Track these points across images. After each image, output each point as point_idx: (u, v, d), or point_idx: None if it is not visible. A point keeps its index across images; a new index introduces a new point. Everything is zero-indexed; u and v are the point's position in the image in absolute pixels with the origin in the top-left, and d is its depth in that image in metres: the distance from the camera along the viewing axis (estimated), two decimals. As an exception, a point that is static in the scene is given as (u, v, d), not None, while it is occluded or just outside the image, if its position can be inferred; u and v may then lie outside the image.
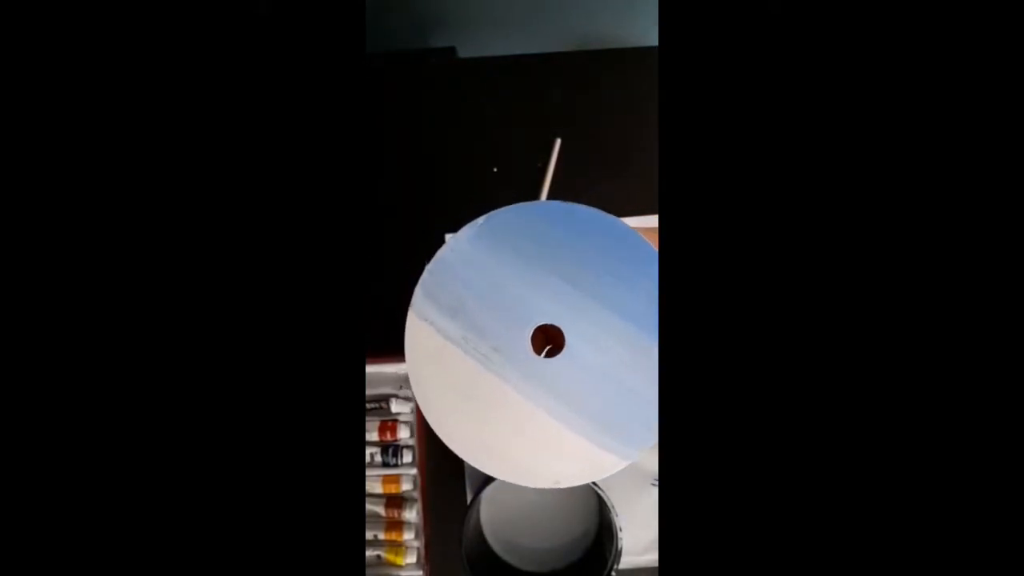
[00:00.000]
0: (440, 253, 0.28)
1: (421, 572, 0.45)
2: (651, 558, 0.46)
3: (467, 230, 0.28)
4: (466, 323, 0.27)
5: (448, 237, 0.29)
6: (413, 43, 0.77)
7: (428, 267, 0.28)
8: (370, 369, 0.46)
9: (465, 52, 0.75)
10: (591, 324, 0.26)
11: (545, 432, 0.26)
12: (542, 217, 0.28)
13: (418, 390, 0.27)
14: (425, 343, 0.27)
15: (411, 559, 0.44)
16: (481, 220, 0.28)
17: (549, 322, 0.26)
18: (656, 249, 0.27)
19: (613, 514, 0.40)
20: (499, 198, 0.51)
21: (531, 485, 0.26)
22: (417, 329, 0.27)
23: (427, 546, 0.45)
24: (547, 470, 0.26)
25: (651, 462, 0.45)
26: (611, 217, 0.27)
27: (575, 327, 0.26)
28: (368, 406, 0.46)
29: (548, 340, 0.28)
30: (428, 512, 0.45)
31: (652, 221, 0.47)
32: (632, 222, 0.36)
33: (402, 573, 0.45)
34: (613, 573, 0.40)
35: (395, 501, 0.45)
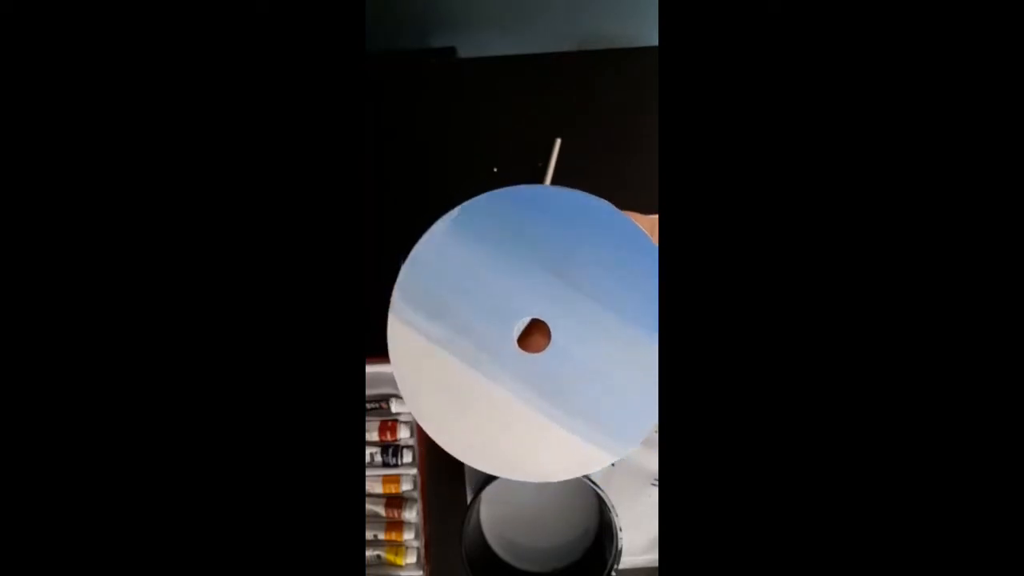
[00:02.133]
0: (415, 251, 0.27)
1: (421, 572, 0.45)
2: (651, 558, 0.46)
3: (441, 224, 0.27)
4: (449, 323, 0.26)
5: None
6: (413, 43, 0.77)
7: (403, 267, 0.27)
8: (370, 369, 0.46)
9: (465, 52, 0.75)
10: (577, 317, 0.26)
11: (532, 428, 0.26)
12: (522, 203, 0.27)
13: (405, 390, 0.27)
14: (409, 346, 0.27)
15: (411, 559, 0.44)
16: (455, 212, 0.27)
17: (535, 316, 0.26)
18: (644, 231, 0.26)
19: (613, 514, 0.40)
20: (499, 198, 0.51)
21: (522, 479, 0.26)
22: (399, 332, 0.27)
23: (427, 546, 0.45)
24: (535, 465, 0.26)
25: (651, 462, 0.45)
26: (596, 199, 0.27)
27: (561, 321, 0.26)
28: (368, 406, 0.46)
29: (535, 334, 0.27)
30: (428, 512, 0.45)
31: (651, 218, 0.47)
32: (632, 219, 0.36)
33: (402, 573, 0.45)
34: (613, 573, 0.40)
35: (395, 501, 0.45)
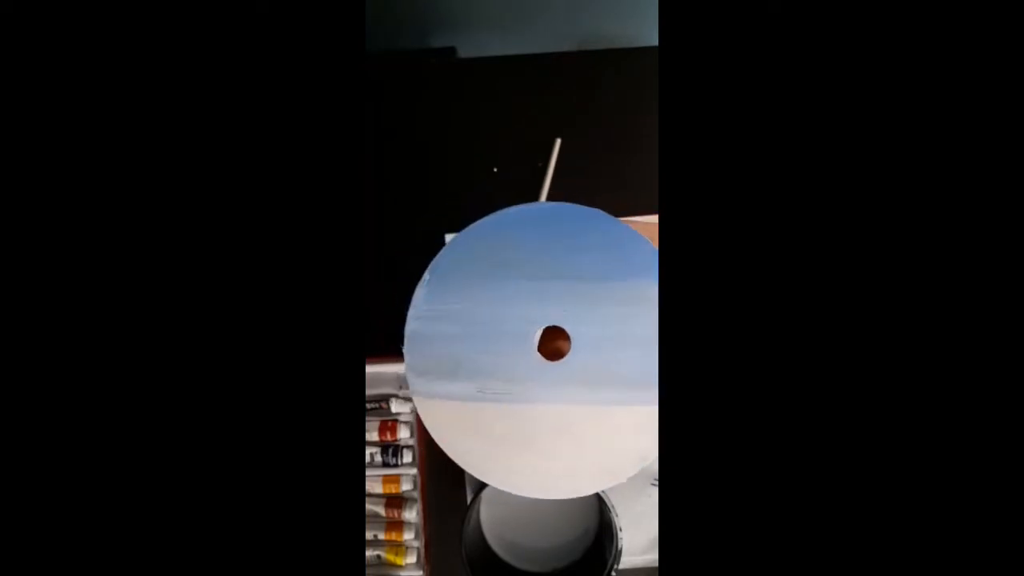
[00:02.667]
0: (408, 328, 0.27)
1: (421, 572, 0.45)
2: (651, 558, 0.46)
3: (419, 292, 0.27)
4: (469, 375, 0.26)
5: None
6: (413, 43, 0.77)
7: (404, 348, 0.27)
8: (370, 369, 0.46)
9: (465, 52, 0.75)
10: (582, 304, 0.26)
11: (601, 423, 0.26)
12: (487, 235, 0.27)
13: (458, 456, 0.27)
14: (443, 414, 0.27)
15: (411, 559, 0.44)
16: (426, 276, 0.27)
17: (543, 325, 0.26)
18: (602, 212, 0.26)
19: (613, 514, 0.40)
20: (499, 198, 0.51)
21: (624, 479, 0.26)
22: (428, 407, 0.27)
23: (427, 546, 0.45)
24: (627, 457, 0.26)
25: (651, 462, 0.45)
26: (550, 204, 0.27)
27: (570, 315, 0.26)
28: (368, 406, 0.46)
29: (556, 340, 0.27)
30: (428, 512, 0.45)
31: (652, 220, 0.48)
32: (632, 222, 0.36)
33: (402, 573, 0.45)
34: (613, 573, 0.40)
35: (395, 501, 0.45)
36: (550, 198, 0.49)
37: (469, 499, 0.45)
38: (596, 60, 0.52)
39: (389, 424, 0.45)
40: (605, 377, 0.26)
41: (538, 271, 0.26)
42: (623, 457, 0.26)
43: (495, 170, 0.50)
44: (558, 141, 0.50)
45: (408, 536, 0.45)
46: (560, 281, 0.26)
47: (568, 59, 0.52)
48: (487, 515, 0.45)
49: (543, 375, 0.26)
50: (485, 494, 0.43)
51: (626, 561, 0.45)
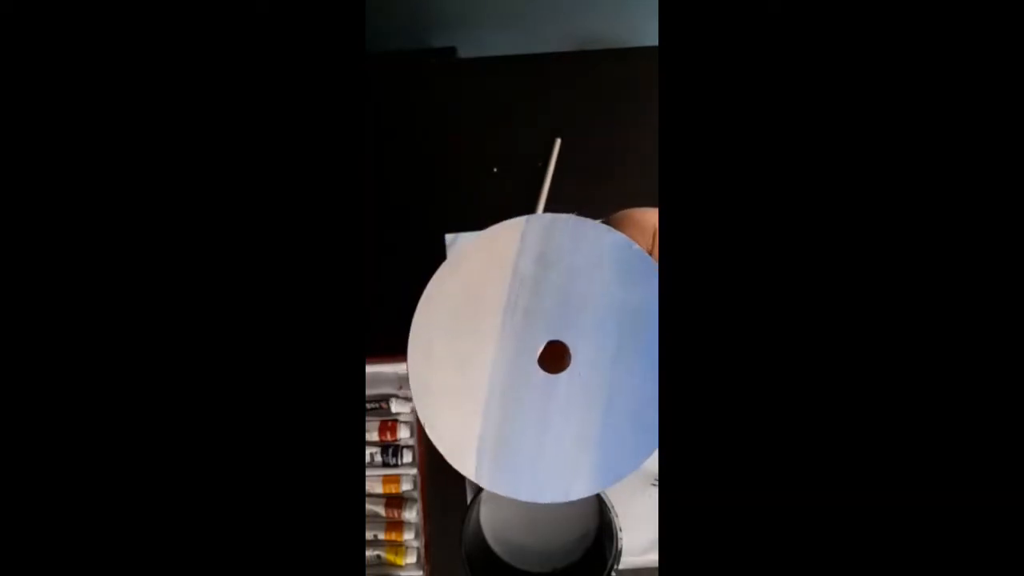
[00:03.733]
0: (581, 221, 0.25)
1: (421, 572, 0.45)
2: (651, 558, 0.46)
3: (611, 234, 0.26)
4: (540, 269, 0.25)
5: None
6: (413, 43, 0.77)
7: (571, 216, 0.25)
8: (370, 369, 0.46)
9: (465, 52, 0.75)
10: (597, 370, 0.25)
11: (470, 414, 0.26)
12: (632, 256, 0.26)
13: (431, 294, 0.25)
14: (495, 250, 0.25)
15: (411, 559, 0.44)
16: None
17: (569, 344, 0.25)
18: None
19: (613, 514, 0.40)
20: (499, 198, 0.51)
21: (447, 457, 0.25)
22: (508, 235, 0.25)
23: (427, 546, 0.45)
24: (467, 449, 0.25)
25: (651, 462, 0.45)
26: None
27: (583, 364, 0.25)
28: (368, 406, 0.46)
29: (555, 356, 0.26)
30: (428, 512, 0.45)
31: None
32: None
33: (402, 573, 0.45)
34: (613, 573, 0.40)
35: (395, 501, 0.45)
36: (550, 198, 0.49)
37: (469, 499, 0.45)
38: (596, 60, 0.52)
39: (389, 424, 0.45)
40: (528, 412, 0.26)
41: (625, 324, 0.26)
42: (454, 440, 0.26)
43: (495, 170, 0.50)
44: (558, 141, 0.50)
45: (408, 536, 0.45)
46: (616, 347, 0.25)
47: (568, 59, 0.52)
48: (487, 515, 0.45)
49: (515, 348, 0.25)
50: (485, 494, 0.43)
51: (626, 561, 0.45)
